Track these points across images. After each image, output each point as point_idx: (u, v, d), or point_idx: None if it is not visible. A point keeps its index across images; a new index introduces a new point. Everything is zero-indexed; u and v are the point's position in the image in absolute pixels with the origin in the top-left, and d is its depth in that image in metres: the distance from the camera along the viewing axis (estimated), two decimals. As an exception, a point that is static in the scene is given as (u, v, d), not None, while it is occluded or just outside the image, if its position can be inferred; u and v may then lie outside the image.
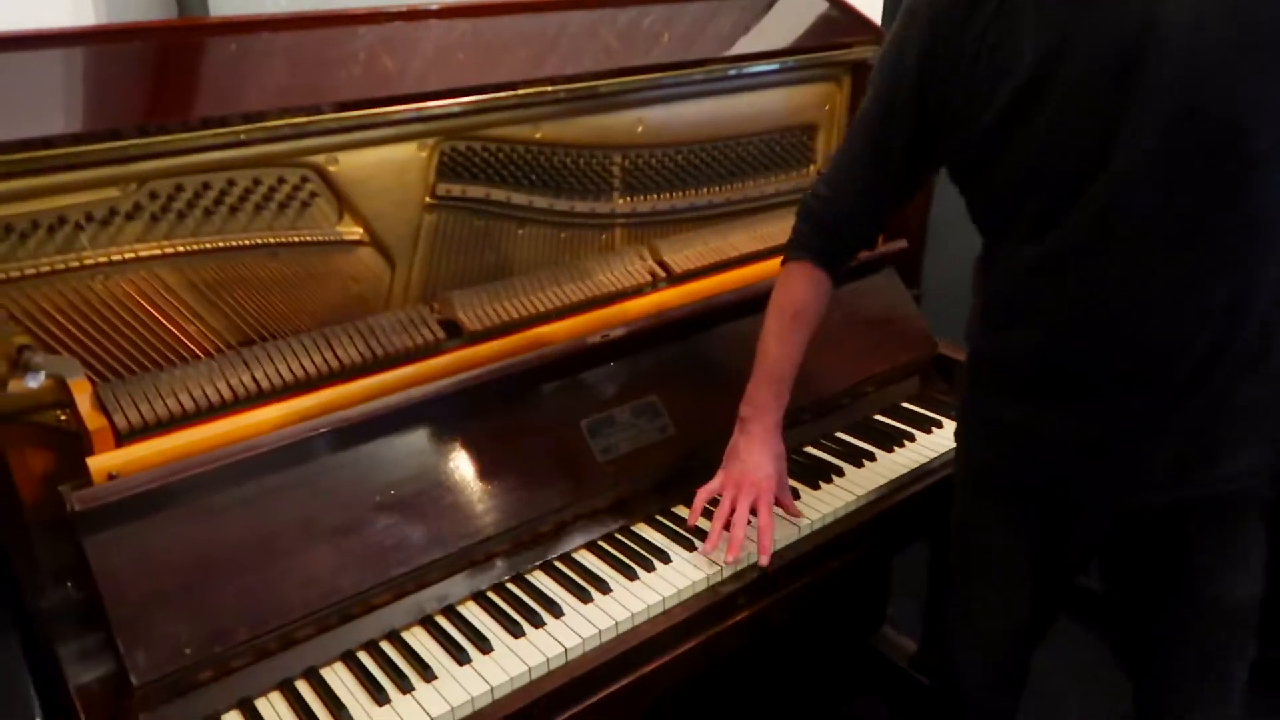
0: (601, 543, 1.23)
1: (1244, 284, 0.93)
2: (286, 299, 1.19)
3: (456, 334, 1.27)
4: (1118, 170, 0.91)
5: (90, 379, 1.05)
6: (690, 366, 1.40)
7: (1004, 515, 1.17)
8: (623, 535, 1.25)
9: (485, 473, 1.18)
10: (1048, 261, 0.99)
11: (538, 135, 1.35)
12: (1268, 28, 0.86)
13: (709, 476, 1.24)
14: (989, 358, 1.13)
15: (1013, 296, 1.07)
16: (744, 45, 1.56)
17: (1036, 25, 0.93)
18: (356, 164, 1.21)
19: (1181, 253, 0.93)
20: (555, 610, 1.12)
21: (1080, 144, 0.93)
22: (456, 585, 1.15)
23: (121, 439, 1.04)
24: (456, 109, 1.24)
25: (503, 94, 1.27)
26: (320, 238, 1.20)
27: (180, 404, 1.08)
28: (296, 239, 1.18)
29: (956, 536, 1.25)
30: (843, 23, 1.66)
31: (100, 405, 1.04)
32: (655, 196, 1.51)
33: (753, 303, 1.47)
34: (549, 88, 1.31)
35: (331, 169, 1.19)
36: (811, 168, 1.70)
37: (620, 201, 1.47)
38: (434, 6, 1.34)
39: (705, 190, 1.56)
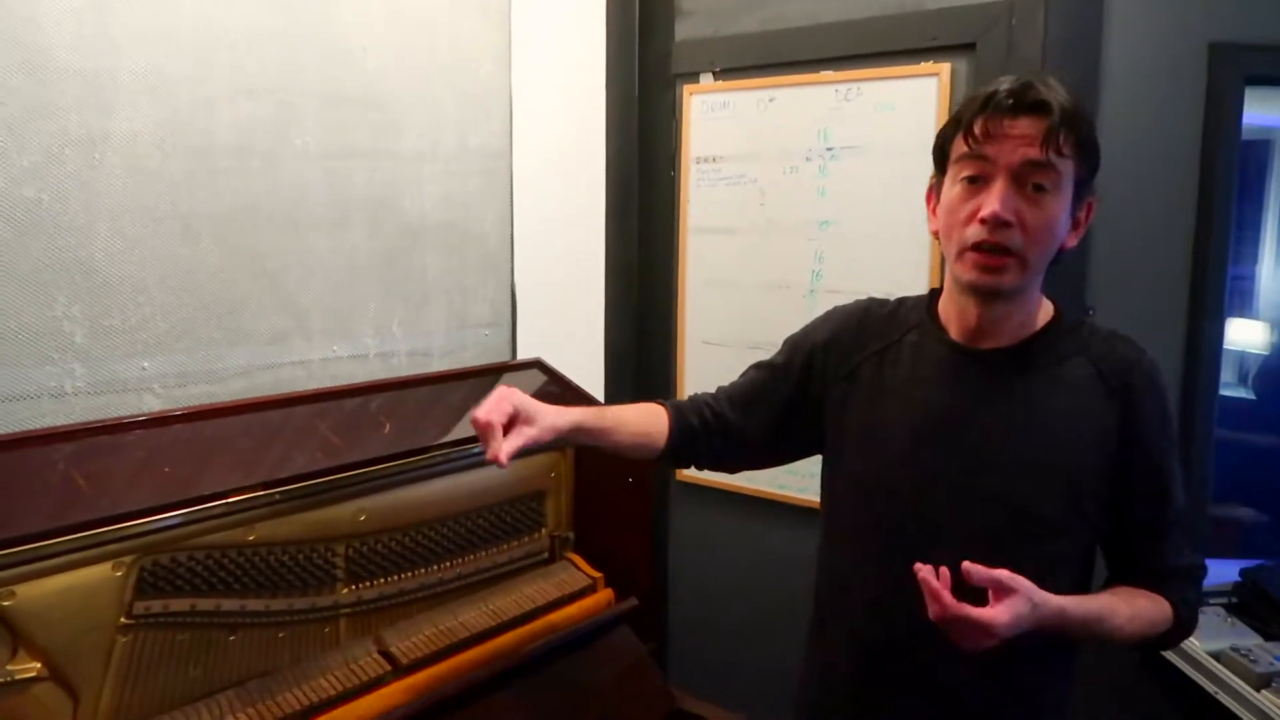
0: None
1: None
2: (-65, 762, 1.05)
3: (147, 773, 1.16)
4: None
5: None
6: (419, 768, 1.33)
7: None
8: None
9: None
10: None
11: (251, 537, 1.33)
12: None
13: None
14: None
15: None
16: (468, 426, 1.64)
17: None
18: (37, 594, 1.13)
19: None
20: None
21: None
22: None
23: None
24: (158, 524, 1.21)
25: (211, 504, 1.26)
26: (-16, 683, 1.09)
27: None
28: (-46, 690, 1.07)
29: None
30: (561, 396, 1.80)
31: None
32: (382, 581, 1.49)
33: (483, 686, 1.45)
34: (262, 492, 1.31)
35: (6, 604, 1.10)
36: (542, 531, 1.76)
37: (344, 591, 1.44)
38: (141, 416, 1.34)
39: (435, 568, 1.57)
